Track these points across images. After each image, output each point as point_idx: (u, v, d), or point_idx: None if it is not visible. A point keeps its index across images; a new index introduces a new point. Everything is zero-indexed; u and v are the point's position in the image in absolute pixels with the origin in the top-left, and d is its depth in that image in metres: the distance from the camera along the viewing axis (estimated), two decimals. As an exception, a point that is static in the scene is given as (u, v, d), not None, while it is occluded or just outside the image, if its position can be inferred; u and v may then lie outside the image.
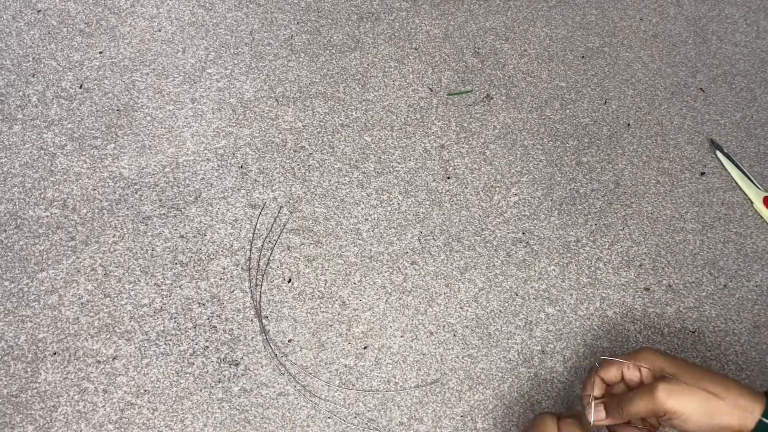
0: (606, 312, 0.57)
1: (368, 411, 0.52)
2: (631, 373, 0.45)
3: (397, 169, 0.64)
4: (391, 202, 0.62)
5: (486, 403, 0.52)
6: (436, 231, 0.61)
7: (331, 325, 0.55)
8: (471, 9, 0.77)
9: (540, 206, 0.63)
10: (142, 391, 0.51)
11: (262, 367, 0.53)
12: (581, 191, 0.64)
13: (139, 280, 0.56)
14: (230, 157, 0.64)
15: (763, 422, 0.40)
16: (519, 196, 0.64)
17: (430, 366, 0.54)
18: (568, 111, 0.70)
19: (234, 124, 0.66)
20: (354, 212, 0.61)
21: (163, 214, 0.60)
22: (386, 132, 0.67)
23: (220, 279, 0.57)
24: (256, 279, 0.57)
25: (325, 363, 0.53)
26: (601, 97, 0.71)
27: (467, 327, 0.56)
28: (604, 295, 0.58)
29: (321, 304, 0.56)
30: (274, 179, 0.63)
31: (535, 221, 0.62)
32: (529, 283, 0.58)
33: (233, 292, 0.56)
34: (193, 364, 0.53)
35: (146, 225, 0.59)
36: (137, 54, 0.70)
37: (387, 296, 0.57)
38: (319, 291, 0.57)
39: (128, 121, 0.65)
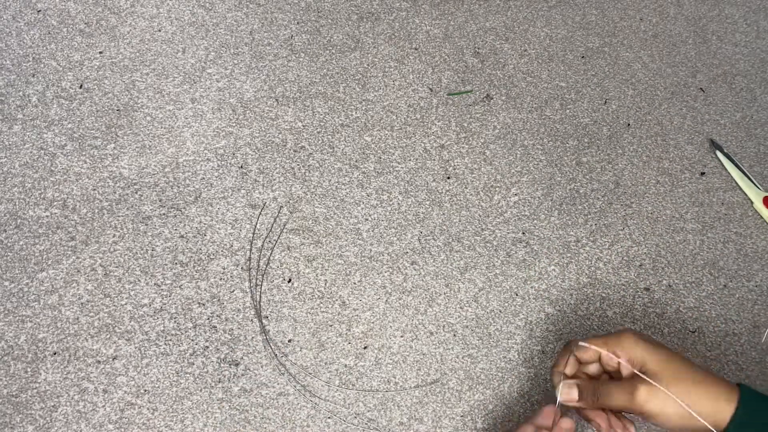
0: (606, 312, 0.57)
1: (368, 411, 0.52)
2: (609, 358, 0.44)
3: (397, 169, 0.64)
4: (391, 202, 0.62)
5: (486, 403, 0.52)
6: (436, 231, 0.61)
7: (331, 325, 0.55)
8: (471, 9, 0.78)
9: (540, 206, 0.63)
10: (142, 391, 0.51)
11: (262, 367, 0.53)
12: (581, 191, 0.64)
13: (139, 280, 0.56)
14: (230, 157, 0.64)
15: (738, 412, 0.40)
16: (519, 196, 0.64)
17: (430, 366, 0.54)
18: (568, 111, 0.70)
19: (234, 124, 0.66)
20: (354, 212, 0.61)
21: (163, 214, 0.60)
22: (386, 132, 0.67)
23: (220, 279, 0.57)
24: (256, 279, 0.57)
25: (325, 363, 0.53)
26: (601, 97, 0.72)
27: (467, 327, 0.56)
28: (604, 295, 0.58)
29: (321, 304, 0.56)
30: (274, 179, 0.63)
31: (535, 221, 0.62)
32: (529, 283, 0.58)
33: (233, 292, 0.56)
34: (193, 364, 0.53)
35: (146, 225, 0.59)
36: (137, 54, 0.70)
37: (387, 296, 0.57)
38: (319, 291, 0.57)
39: (128, 121, 0.65)
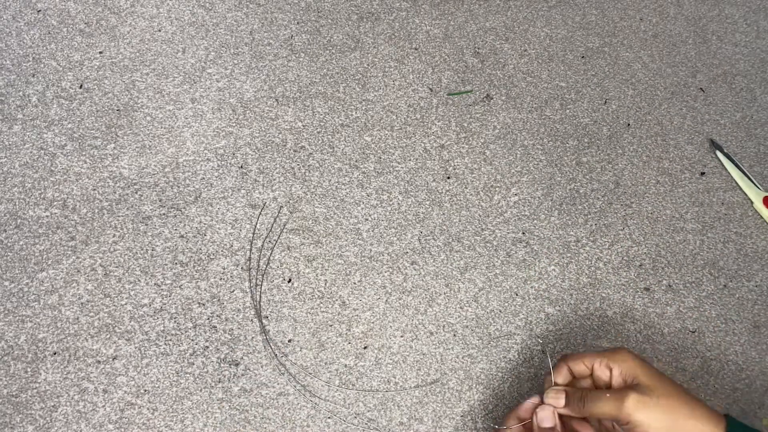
0: (606, 312, 0.57)
1: (368, 411, 0.52)
2: (602, 371, 0.44)
3: (397, 169, 0.64)
4: (391, 202, 0.62)
5: (486, 403, 0.52)
6: (436, 231, 0.61)
7: (331, 325, 0.55)
8: (471, 9, 0.77)
9: (540, 206, 0.63)
10: (142, 391, 0.51)
11: (262, 367, 0.53)
12: (581, 191, 0.64)
13: (139, 280, 0.56)
14: (230, 157, 0.64)
15: None
16: (519, 196, 0.64)
17: (430, 366, 0.54)
18: (568, 111, 0.70)
19: (234, 124, 0.66)
20: (354, 212, 0.61)
21: (163, 214, 0.60)
22: (386, 132, 0.67)
23: (220, 279, 0.57)
24: (256, 279, 0.57)
25: (325, 363, 0.53)
26: (601, 97, 0.72)
27: (467, 327, 0.56)
28: (604, 295, 0.58)
29: (321, 304, 0.56)
30: (274, 179, 0.63)
31: (535, 221, 0.62)
32: (529, 283, 0.58)
33: (233, 292, 0.56)
34: (193, 364, 0.53)
35: (146, 225, 0.59)
36: (137, 54, 0.70)
37: (387, 296, 0.57)
38: (319, 291, 0.57)
39: (128, 121, 0.65)
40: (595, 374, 0.45)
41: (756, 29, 0.80)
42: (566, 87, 0.72)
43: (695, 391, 0.54)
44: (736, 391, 0.54)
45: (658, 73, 0.74)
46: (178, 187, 0.61)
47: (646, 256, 0.61)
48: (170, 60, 0.70)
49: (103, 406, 0.50)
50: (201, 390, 0.51)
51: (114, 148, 0.63)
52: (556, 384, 0.45)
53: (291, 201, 0.62)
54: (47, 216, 0.59)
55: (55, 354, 0.52)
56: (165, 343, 0.53)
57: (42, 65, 0.68)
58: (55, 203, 0.60)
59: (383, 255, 0.59)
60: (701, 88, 0.73)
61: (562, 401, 0.44)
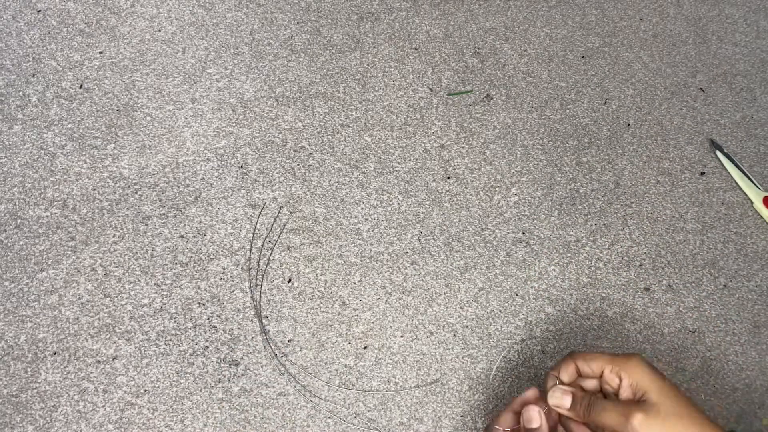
0: (606, 312, 0.57)
1: (368, 411, 0.52)
2: (611, 378, 0.43)
3: (397, 169, 0.64)
4: (391, 202, 0.62)
5: (486, 403, 0.52)
6: (436, 231, 0.61)
7: (331, 325, 0.55)
8: (471, 9, 0.77)
9: (540, 206, 0.63)
10: (142, 391, 0.51)
11: (262, 367, 0.53)
12: (581, 191, 0.64)
13: (139, 280, 0.56)
14: (230, 157, 0.64)
15: None
16: (519, 196, 0.64)
17: (430, 366, 0.54)
18: (568, 111, 0.70)
19: (234, 124, 0.66)
20: (354, 212, 0.61)
21: (163, 214, 0.60)
22: (386, 132, 0.67)
23: (220, 279, 0.57)
24: (256, 279, 0.57)
25: (325, 363, 0.53)
26: (601, 97, 0.71)
27: (467, 327, 0.56)
28: (604, 295, 0.58)
29: (321, 304, 0.56)
30: (274, 179, 0.63)
31: (535, 221, 0.62)
32: (529, 283, 0.58)
33: (233, 292, 0.56)
34: (193, 364, 0.53)
35: (146, 225, 0.59)
36: (137, 54, 0.70)
37: (387, 296, 0.57)
38: (319, 291, 0.57)
39: (128, 121, 0.65)
40: (604, 378, 0.43)
41: (756, 29, 0.80)
42: (566, 87, 0.72)
43: (695, 391, 0.54)
44: (736, 391, 0.54)
45: (658, 73, 0.74)
46: (178, 187, 0.61)
47: (646, 256, 0.61)
48: (170, 60, 0.70)
49: (103, 406, 0.50)
50: (201, 390, 0.51)
51: (114, 148, 0.63)
52: (561, 382, 0.43)
53: (291, 201, 0.62)
54: (47, 216, 0.59)
55: (55, 354, 0.52)
56: (165, 343, 0.53)
57: (42, 65, 0.68)
58: (55, 203, 0.60)
59: (383, 255, 0.59)
60: (701, 88, 0.73)
61: (567, 403, 0.42)
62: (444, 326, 0.56)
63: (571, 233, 0.62)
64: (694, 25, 0.79)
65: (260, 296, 0.56)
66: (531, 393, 0.45)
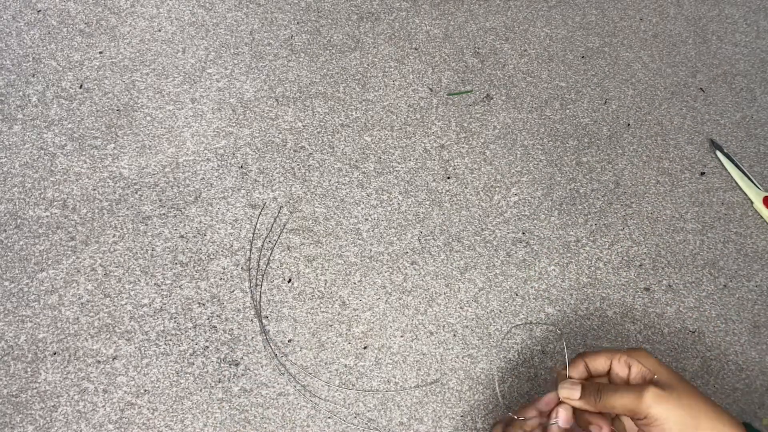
0: (606, 312, 0.57)
1: (368, 411, 0.52)
2: (620, 368, 0.43)
3: (397, 169, 0.64)
4: (391, 202, 0.62)
5: (486, 403, 0.52)
6: (436, 231, 0.61)
7: (331, 325, 0.55)
8: (471, 9, 0.77)
9: (540, 206, 0.63)
10: (142, 391, 0.51)
11: (262, 367, 0.53)
12: (581, 191, 0.64)
13: (139, 280, 0.56)
14: (230, 157, 0.64)
15: None
16: (519, 196, 0.64)
17: (430, 366, 0.54)
18: (568, 111, 0.70)
19: (234, 124, 0.66)
20: (354, 212, 0.61)
21: (163, 214, 0.60)
22: (386, 132, 0.67)
23: (220, 279, 0.57)
24: (256, 279, 0.57)
25: (325, 363, 0.53)
26: (601, 97, 0.71)
27: (467, 327, 0.56)
28: (604, 295, 0.58)
29: (321, 304, 0.56)
30: (274, 179, 0.63)
31: (535, 221, 0.62)
32: (529, 283, 0.58)
33: (233, 292, 0.56)
34: (193, 364, 0.53)
35: (146, 225, 0.59)
36: (137, 54, 0.70)
37: (387, 296, 0.57)
38: (319, 291, 0.57)
39: (128, 121, 0.65)
40: (613, 371, 0.44)
41: (756, 29, 0.80)
42: (566, 87, 0.72)
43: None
44: (736, 391, 0.54)
45: (658, 73, 0.74)
46: (178, 187, 0.61)
47: (646, 256, 0.61)
48: (170, 60, 0.70)
49: (103, 406, 0.50)
50: (201, 390, 0.51)
51: (114, 148, 0.63)
52: (570, 377, 0.44)
53: (291, 201, 0.62)
54: (47, 216, 0.59)
55: (55, 354, 0.52)
56: (165, 343, 0.53)
57: (42, 65, 0.68)
58: (55, 203, 0.60)
59: (383, 255, 0.59)
60: (701, 88, 0.73)
61: (577, 393, 0.42)
62: (444, 326, 0.56)
63: (571, 233, 0.62)
64: (694, 25, 0.79)
65: (260, 296, 0.56)
66: (551, 395, 0.45)
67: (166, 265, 0.57)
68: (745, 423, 0.40)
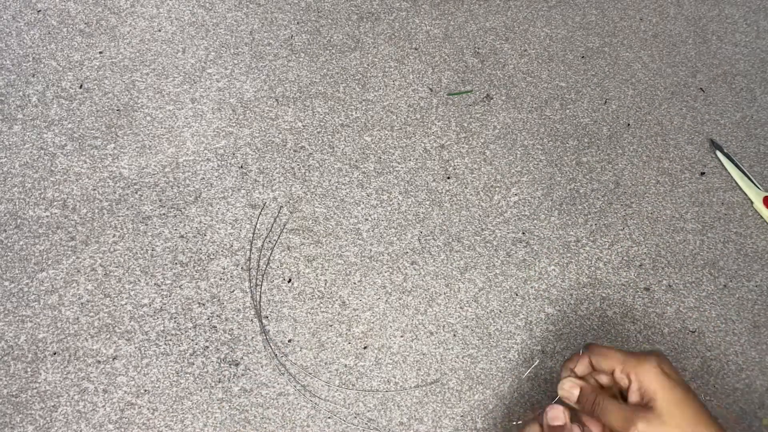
0: (606, 312, 0.57)
1: (368, 411, 0.52)
2: (621, 377, 0.43)
3: (397, 169, 0.64)
4: (391, 202, 0.62)
5: (486, 403, 0.52)
6: (436, 231, 0.61)
7: (331, 325, 0.55)
8: (471, 9, 0.77)
9: (540, 206, 0.63)
10: (142, 391, 0.51)
11: (262, 367, 0.53)
12: (581, 191, 0.64)
13: (139, 280, 0.56)
14: (230, 157, 0.64)
15: None
16: (519, 196, 0.64)
17: (430, 366, 0.54)
18: (568, 111, 0.70)
19: (234, 124, 0.66)
20: (354, 212, 0.61)
21: (163, 214, 0.60)
22: (386, 132, 0.67)
23: (220, 279, 0.57)
24: (256, 279, 0.57)
25: (325, 363, 0.53)
26: (601, 97, 0.71)
27: (467, 327, 0.56)
28: (604, 295, 0.58)
29: (321, 304, 0.56)
30: (274, 179, 0.63)
31: (535, 221, 0.62)
32: (529, 283, 0.58)
33: (233, 292, 0.56)
34: (193, 364, 0.53)
35: (146, 225, 0.59)
36: (137, 54, 0.70)
37: (387, 296, 0.57)
38: (319, 291, 0.57)
39: (128, 121, 0.65)
40: (616, 376, 0.43)
41: (756, 29, 0.80)
42: (566, 87, 0.72)
43: (695, 390, 0.54)
44: (736, 391, 0.54)
45: (658, 73, 0.74)
46: (178, 187, 0.61)
47: (646, 256, 0.61)
48: (170, 60, 0.70)
49: (103, 406, 0.50)
50: (201, 390, 0.51)
51: (114, 148, 0.63)
52: (574, 374, 0.44)
53: (291, 201, 0.62)
54: (47, 216, 0.59)
55: (55, 354, 0.52)
56: (165, 343, 0.53)
57: (42, 65, 0.68)
58: (55, 203, 0.60)
59: (383, 255, 0.59)
60: (701, 88, 0.73)
61: (575, 396, 0.43)
62: (444, 326, 0.56)
63: (571, 233, 0.62)
64: (694, 25, 0.79)
65: (260, 296, 0.56)
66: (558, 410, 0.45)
67: (166, 265, 0.57)
68: None
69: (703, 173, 0.67)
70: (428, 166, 0.65)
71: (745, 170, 0.66)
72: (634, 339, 0.56)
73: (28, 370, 0.51)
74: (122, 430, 0.50)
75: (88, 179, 0.61)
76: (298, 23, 0.74)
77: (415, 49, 0.73)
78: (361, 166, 0.64)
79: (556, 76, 0.73)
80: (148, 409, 0.50)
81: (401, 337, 0.55)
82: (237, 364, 0.53)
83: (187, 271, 0.57)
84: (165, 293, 0.56)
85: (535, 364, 0.53)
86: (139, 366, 0.52)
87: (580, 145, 0.68)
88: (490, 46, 0.74)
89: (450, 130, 0.67)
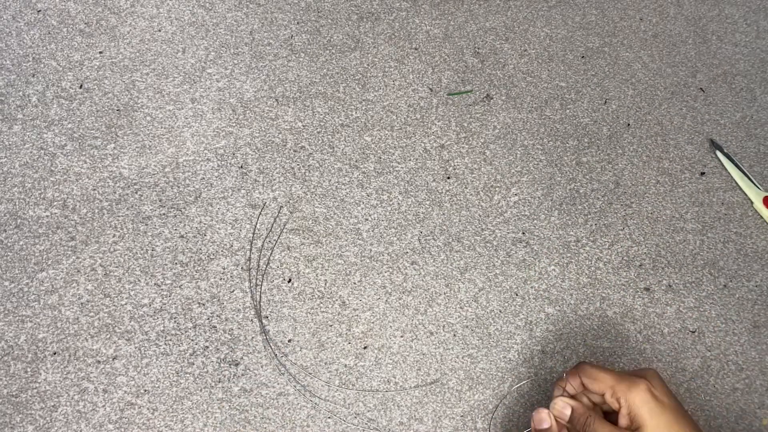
0: (606, 312, 0.57)
1: (368, 411, 0.52)
2: (612, 401, 0.44)
3: (397, 169, 0.64)
4: (391, 202, 0.62)
5: (486, 403, 0.52)
6: (436, 231, 0.61)
7: (331, 325, 0.55)
8: (471, 9, 0.77)
9: (540, 206, 0.63)
10: (142, 391, 0.51)
11: (262, 367, 0.53)
12: (581, 191, 0.64)
13: (139, 280, 0.56)
14: (230, 157, 0.64)
15: None
16: (519, 196, 0.64)
17: (430, 366, 0.54)
18: (568, 111, 0.70)
19: (234, 124, 0.66)
20: (354, 212, 0.61)
21: (163, 214, 0.60)
22: (386, 132, 0.67)
23: (220, 279, 0.57)
24: (256, 279, 0.57)
25: (325, 363, 0.53)
26: (601, 97, 0.72)
27: (467, 327, 0.56)
28: (604, 295, 0.58)
29: (321, 304, 0.56)
30: (274, 179, 0.63)
31: (535, 221, 0.62)
32: (529, 283, 0.58)
33: (233, 292, 0.56)
34: (193, 364, 0.53)
35: (146, 225, 0.59)
36: (137, 54, 0.70)
37: (387, 296, 0.57)
38: (319, 291, 0.57)
39: (128, 121, 0.65)
40: (607, 400, 0.44)
41: (756, 29, 0.80)
42: (566, 87, 0.72)
43: (695, 391, 0.54)
44: (736, 391, 0.54)
45: (658, 73, 0.74)
46: (178, 187, 0.61)
47: (646, 256, 0.61)
48: (170, 60, 0.70)
49: (103, 406, 0.50)
50: (201, 390, 0.51)
51: (114, 148, 0.63)
52: (567, 393, 0.45)
53: (291, 201, 0.62)
54: (47, 216, 0.59)
55: (55, 354, 0.52)
56: (165, 343, 0.53)
57: (42, 65, 0.68)
58: (55, 203, 0.60)
59: (383, 255, 0.59)
60: (701, 88, 0.73)
61: (567, 415, 0.44)
62: (444, 326, 0.56)
63: (571, 233, 0.62)
64: (694, 25, 0.79)
65: (260, 296, 0.56)
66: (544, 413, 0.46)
67: (166, 265, 0.57)
68: None
69: (703, 173, 0.67)
70: (428, 166, 0.65)
71: (745, 170, 0.66)
72: (634, 339, 0.56)
73: (28, 370, 0.51)
74: (122, 430, 0.50)
75: (88, 179, 0.61)
76: (298, 23, 0.74)
77: (415, 49, 0.73)
78: (361, 166, 0.64)
79: (556, 76, 0.73)
80: (148, 409, 0.50)
81: (401, 337, 0.55)
82: (237, 364, 0.53)
83: (187, 271, 0.57)
84: (165, 293, 0.56)
85: (520, 383, 0.53)
86: (139, 366, 0.52)
87: (580, 145, 0.68)
88: (490, 46, 0.74)
89: (450, 130, 0.67)
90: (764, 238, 0.63)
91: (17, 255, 0.57)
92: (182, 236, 0.59)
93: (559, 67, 0.74)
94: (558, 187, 0.64)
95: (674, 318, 0.58)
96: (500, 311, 0.57)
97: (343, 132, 0.66)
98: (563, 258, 0.60)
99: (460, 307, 0.57)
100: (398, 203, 0.62)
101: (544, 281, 0.59)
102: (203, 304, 0.55)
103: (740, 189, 0.66)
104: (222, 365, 0.53)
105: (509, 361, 0.54)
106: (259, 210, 0.61)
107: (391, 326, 0.55)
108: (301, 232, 0.60)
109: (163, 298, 0.55)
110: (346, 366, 0.53)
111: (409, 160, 0.65)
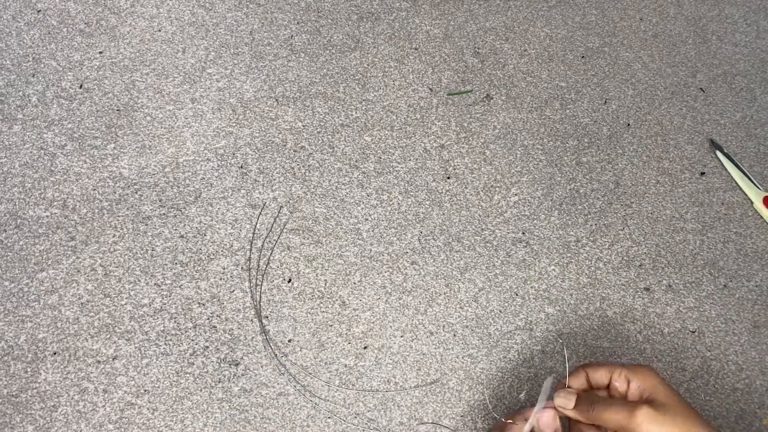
0: (606, 312, 0.57)
1: (368, 411, 0.52)
2: (620, 382, 0.43)
3: (397, 169, 0.64)
4: (391, 202, 0.62)
5: (486, 403, 0.52)
6: (436, 231, 0.61)
7: (331, 325, 0.55)
8: (471, 9, 0.77)
9: (540, 206, 0.63)
10: (142, 391, 0.51)
11: (262, 367, 0.53)
12: (581, 191, 0.64)
13: (139, 280, 0.56)
14: (230, 157, 0.64)
15: None
16: (519, 196, 0.64)
17: (430, 366, 0.54)
18: (568, 111, 0.70)
19: (234, 124, 0.66)
20: (354, 212, 0.61)
21: (163, 214, 0.60)
22: (386, 132, 0.67)
23: (220, 279, 0.57)
24: (256, 279, 0.57)
25: (325, 363, 0.53)
26: (601, 97, 0.72)
27: (467, 327, 0.56)
28: (604, 295, 0.58)
29: (321, 304, 0.56)
30: (274, 179, 0.63)
31: (535, 221, 0.62)
32: (529, 283, 0.58)
33: (233, 292, 0.56)
34: (193, 364, 0.53)
35: (146, 225, 0.59)
36: (137, 54, 0.70)
37: (387, 296, 0.57)
38: (319, 291, 0.57)
39: (128, 121, 0.65)
40: (613, 384, 0.44)
41: (756, 29, 0.80)
42: (566, 87, 0.72)
43: (695, 390, 0.54)
44: (736, 391, 0.54)
45: (658, 73, 0.74)
46: (178, 187, 0.61)
47: (646, 256, 0.61)
48: (170, 60, 0.70)
49: (103, 406, 0.50)
50: (201, 390, 0.51)
51: (114, 148, 0.63)
52: (569, 387, 0.45)
53: (291, 201, 0.62)
54: (47, 216, 0.59)
55: (55, 354, 0.52)
56: (165, 343, 0.53)
57: (42, 65, 0.68)
58: (55, 203, 0.60)
59: (383, 255, 0.59)
60: (701, 88, 0.73)
61: (572, 403, 0.43)
62: (444, 326, 0.56)
63: (571, 233, 0.62)
64: (694, 25, 0.79)
65: (260, 296, 0.56)
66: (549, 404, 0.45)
67: (166, 265, 0.57)
68: None
69: (703, 173, 0.67)
70: (428, 166, 0.65)
71: (745, 170, 0.66)
72: (634, 339, 0.56)
73: (28, 370, 0.51)
74: (122, 430, 0.50)
75: (88, 179, 0.61)
76: (298, 23, 0.74)
77: (415, 49, 0.73)
78: (361, 166, 0.64)
79: (556, 76, 0.73)
80: (148, 409, 0.50)
81: (401, 337, 0.55)
82: (237, 364, 0.53)
83: (187, 271, 0.57)
84: (165, 293, 0.56)
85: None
86: (139, 366, 0.52)
87: (580, 145, 0.68)
88: (490, 46, 0.74)
89: (450, 130, 0.67)
90: (764, 238, 0.63)
91: (17, 255, 0.57)
92: (182, 236, 0.59)
93: (559, 67, 0.74)
94: (558, 187, 0.64)
95: (674, 318, 0.58)
96: (500, 311, 0.57)
97: (343, 132, 0.66)
98: (563, 258, 0.60)
99: (460, 307, 0.57)
100: (398, 203, 0.62)
101: (544, 281, 0.59)
102: (203, 304, 0.55)
103: (740, 189, 0.66)
104: (222, 365, 0.53)
105: (509, 361, 0.54)
106: (259, 210, 0.61)
107: (391, 326, 0.55)
108: (301, 232, 0.60)
109: (163, 298, 0.55)
110: (346, 366, 0.53)
111: (409, 160, 0.65)
